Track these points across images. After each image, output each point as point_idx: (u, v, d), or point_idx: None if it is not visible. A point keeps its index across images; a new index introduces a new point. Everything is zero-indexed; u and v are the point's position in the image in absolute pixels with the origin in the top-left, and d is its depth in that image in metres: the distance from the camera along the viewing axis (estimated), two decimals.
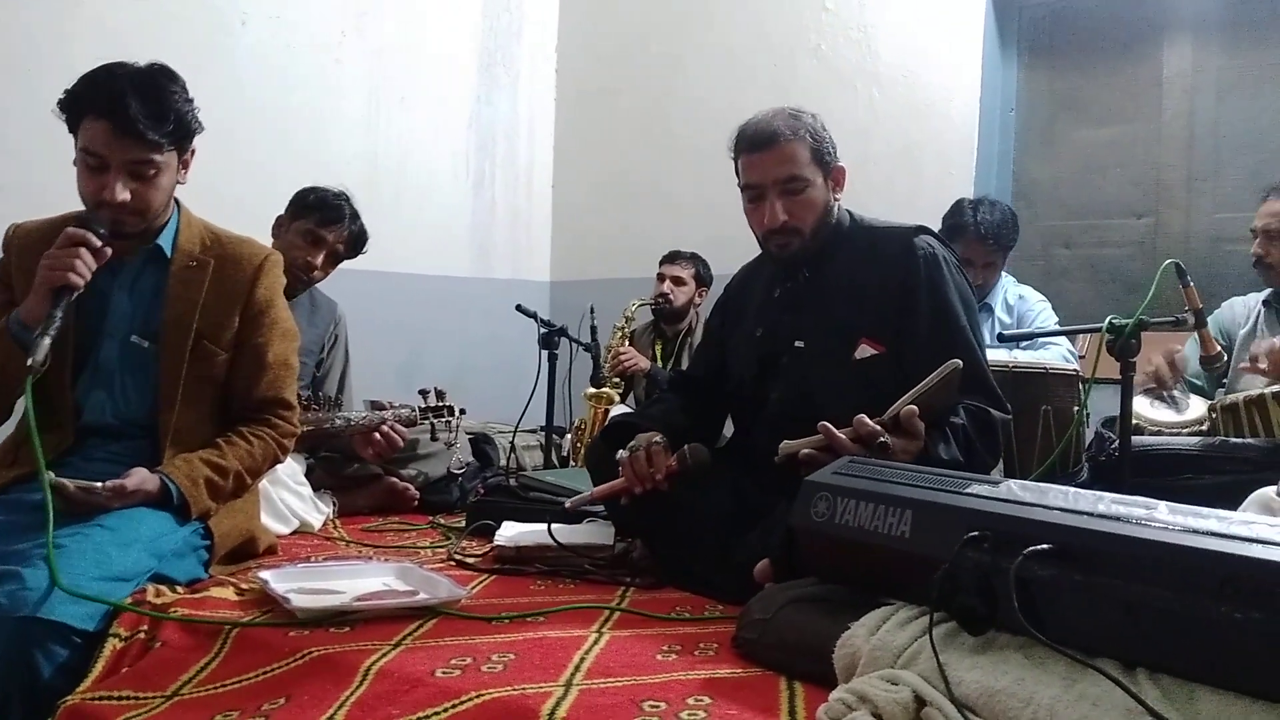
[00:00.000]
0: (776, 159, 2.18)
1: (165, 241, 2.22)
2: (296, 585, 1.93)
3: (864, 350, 2.17)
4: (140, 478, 2.05)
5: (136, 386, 2.20)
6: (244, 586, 2.04)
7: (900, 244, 2.22)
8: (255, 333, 2.27)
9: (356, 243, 3.11)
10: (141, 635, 1.81)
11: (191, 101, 2.12)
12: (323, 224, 3.03)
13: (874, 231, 2.30)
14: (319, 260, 3.02)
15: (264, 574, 1.97)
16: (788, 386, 2.27)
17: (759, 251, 2.41)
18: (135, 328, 2.20)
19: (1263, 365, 2.75)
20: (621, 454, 2.19)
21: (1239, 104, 3.95)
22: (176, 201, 2.25)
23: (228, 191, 3.57)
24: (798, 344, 2.27)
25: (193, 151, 2.18)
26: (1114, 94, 4.19)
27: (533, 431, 3.92)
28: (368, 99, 4.61)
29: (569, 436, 4.08)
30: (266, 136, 4.10)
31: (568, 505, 2.34)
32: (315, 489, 2.99)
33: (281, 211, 3.11)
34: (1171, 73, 4.07)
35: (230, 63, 4.00)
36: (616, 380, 4.12)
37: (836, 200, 2.28)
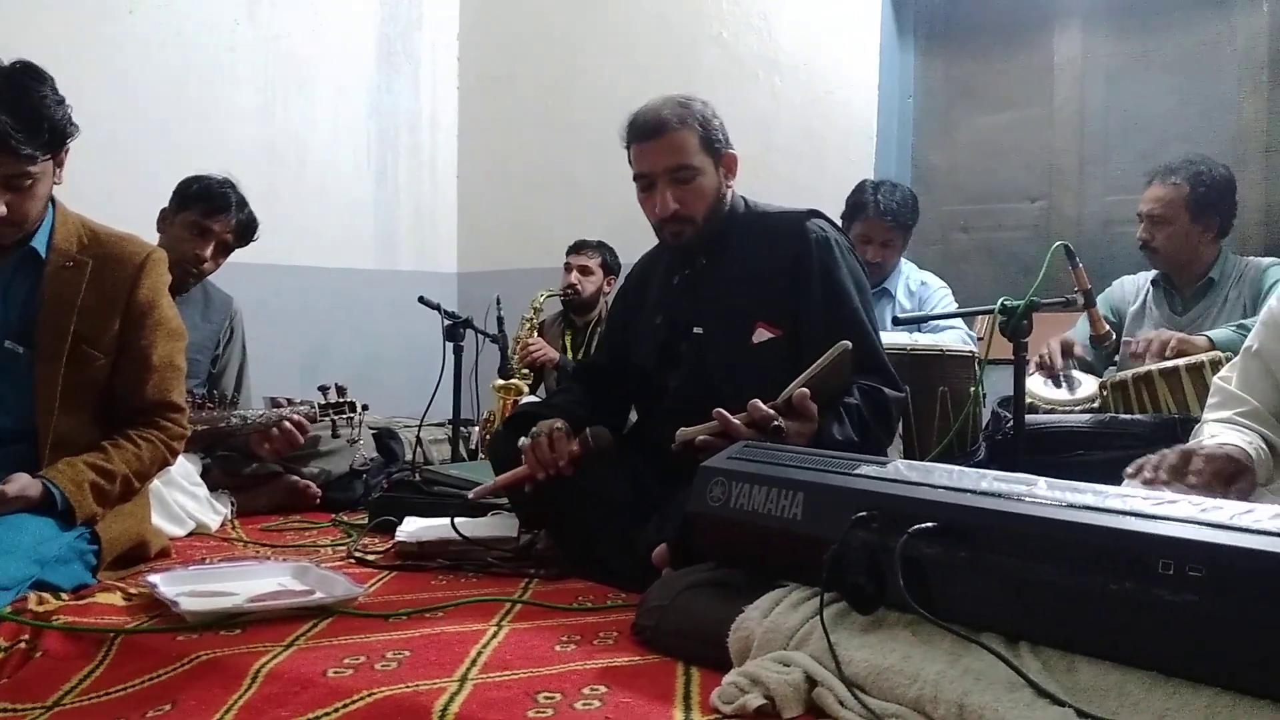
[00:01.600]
0: (665, 148, 2.19)
1: (40, 242, 2.13)
2: (187, 588, 1.88)
3: (761, 334, 2.19)
4: (21, 484, 1.98)
5: (13, 393, 2.11)
6: (132, 591, 1.97)
7: (793, 228, 2.24)
8: (139, 334, 2.19)
9: (246, 231, 3.01)
10: (22, 645, 1.74)
11: (63, 102, 2.03)
12: (208, 214, 2.91)
13: (767, 217, 2.32)
14: (208, 252, 2.93)
15: (153, 578, 1.91)
16: (688, 373, 2.28)
17: (630, 273, 2.48)
18: (8, 332, 2.11)
19: (1148, 359, 2.83)
20: (523, 441, 2.18)
21: (1127, 89, 4.05)
22: (52, 199, 2.16)
23: (116, 187, 3.47)
24: (696, 330, 2.28)
25: (68, 150, 2.09)
26: (1007, 81, 4.27)
27: (440, 425, 3.87)
28: (263, 88, 4.51)
29: (477, 429, 4.04)
30: (156, 128, 3.98)
31: (471, 496, 2.31)
32: (212, 489, 2.91)
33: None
34: (1062, 59, 4.16)
35: (117, 53, 3.88)
36: (525, 371, 4.09)
37: (729, 187, 2.29)
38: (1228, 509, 1.15)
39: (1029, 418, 2.63)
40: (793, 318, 2.18)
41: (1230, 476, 1.66)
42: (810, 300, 2.17)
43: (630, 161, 2.26)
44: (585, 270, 4.31)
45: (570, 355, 4.30)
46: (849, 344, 1.97)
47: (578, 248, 4.39)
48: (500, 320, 3.96)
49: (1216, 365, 2.59)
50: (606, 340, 2.72)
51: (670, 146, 2.19)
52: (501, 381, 3.89)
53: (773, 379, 2.00)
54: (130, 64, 3.91)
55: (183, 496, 2.71)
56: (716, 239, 2.28)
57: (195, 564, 2.27)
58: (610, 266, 4.37)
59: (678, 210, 2.20)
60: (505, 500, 2.47)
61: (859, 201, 3.44)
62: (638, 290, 2.52)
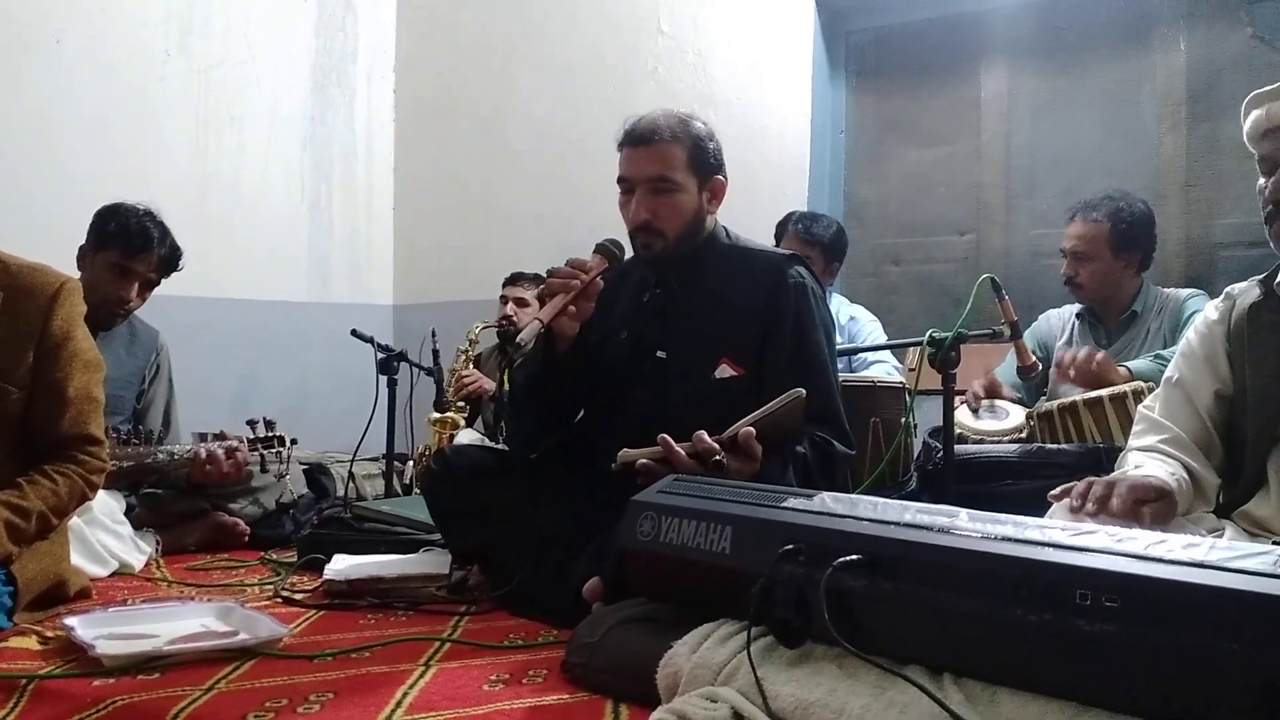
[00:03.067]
0: (650, 156, 2.20)
1: None
2: (105, 631, 1.83)
3: (724, 370, 2.19)
4: None
5: None
6: (49, 634, 1.92)
7: (772, 269, 2.24)
8: (53, 367, 2.14)
9: (169, 264, 2.94)
10: None
11: None
12: (129, 255, 2.84)
13: (749, 253, 2.32)
14: (132, 293, 2.86)
15: (70, 620, 1.86)
16: (646, 395, 2.27)
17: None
18: None
19: (1070, 373, 2.90)
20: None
21: (1051, 125, 4.15)
22: None
23: (39, 221, 3.40)
24: (660, 354, 2.28)
25: None
26: (936, 116, 4.36)
27: (374, 460, 3.82)
28: (194, 119, 4.45)
29: (411, 464, 4.00)
30: (84, 160, 3.91)
31: (520, 339, 2.03)
32: (137, 527, 2.85)
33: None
34: (989, 95, 4.26)
35: (44, 82, 3.80)
36: (461, 404, 4.06)
37: (711, 212, 2.30)
38: (1142, 539, 1.17)
39: (958, 448, 2.66)
40: (758, 359, 2.18)
41: (1152, 505, 1.69)
42: (779, 345, 2.17)
43: (619, 164, 2.26)
44: (521, 302, 4.29)
45: (507, 389, 4.27)
46: (803, 391, 1.97)
47: (514, 280, 4.38)
48: (435, 353, 3.94)
49: (1139, 395, 2.65)
50: None
51: (655, 156, 2.20)
52: (437, 415, 3.86)
53: (731, 416, 1.99)
54: (56, 94, 3.84)
55: (105, 535, 2.64)
56: (692, 263, 2.28)
57: (116, 605, 2.20)
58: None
59: (649, 220, 2.20)
60: (439, 536, 2.45)
61: (782, 224, 3.61)
62: (607, 298, 2.45)
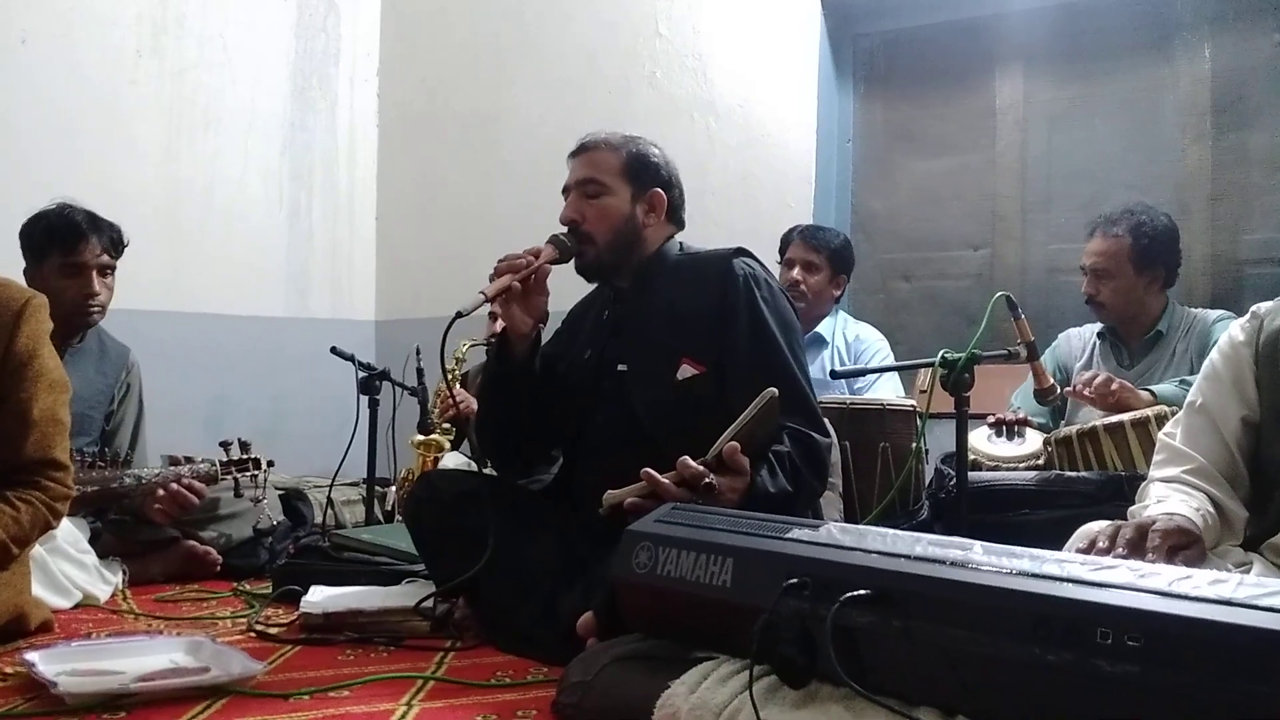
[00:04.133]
0: (583, 162, 2.38)
1: None
2: (69, 667, 1.82)
3: (685, 370, 2.26)
4: None
5: None
6: (8, 671, 1.91)
7: (719, 265, 2.32)
8: (17, 387, 2.14)
9: (116, 243, 2.97)
10: None
11: None
12: (70, 249, 2.87)
13: (695, 257, 2.42)
14: (95, 285, 2.88)
15: (31, 655, 1.85)
16: (612, 410, 2.33)
17: (566, 316, 2.58)
18: None
19: (1088, 394, 2.90)
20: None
21: (1070, 135, 4.17)
22: None
23: (7, 228, 3.39)
24: (621, 367, 2.35)
25: None
26: (948, 125, 4.37)
27: (354, 485, 3.82)
28: (167, 123, 4.46)
29: (394, 489, 3.99)
30: (50, 166, 3.91)
31: (461, 307, 2.18)
32: (102, 556, 2.84)
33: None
34: (1004, 103, 4.28)
35: (8, 84, 3.82)
36: (446, 426, 4.05)
37: (648, 224, 2.38)
38: (1166, 574, 1.17)
39: (973, 475, 2.67)
40: (717, 353, 2.24)
41: (1184, 550, 1.69)
42: (735, 336, 2.23)
43: None
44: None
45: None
46: (775, 391, 2.00)
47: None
48: (420, 371, 3.93)
49: (1161, 419, 2.66)
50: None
51: (588, 161, 2.38)
52: (421, 437, 3.85)
53: (698, 415, 2.10)
54: (21, 97, 3.85)
55: (68, 565, 2.63)
56: (644, 277, 2.38)
57: (80, 639, 2.20)
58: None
59: (575, 220, 2.33)
60: (422, 567, 2.44)
61: (786, 237, 3.64)
62: (571, 328, 2.59)
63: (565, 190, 2.40)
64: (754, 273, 2.31)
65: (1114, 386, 2.86)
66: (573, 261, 2.35)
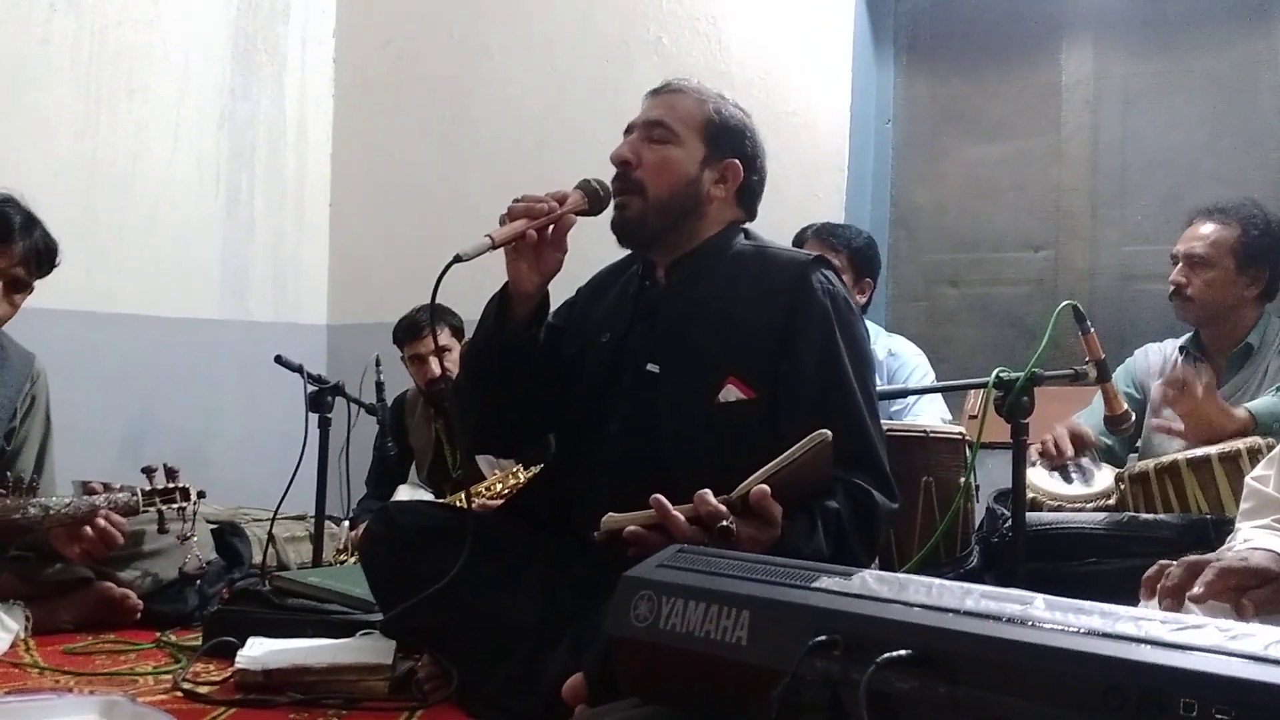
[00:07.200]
0: (661, 103, 2.33)
1: None
2: None
3: (729, 392, 2.17)
4: None
5: None
6: None
7: (792, 272, 2.24)
8: None
9: (42, 258, 2.93)
10: None
11: None
12: None
13: (765, 253, 2.34)
14: None
15: None
16: (630, 416, 2.27)
17: (583, 285, 2.49)
18: None
19: (1177, 427, 2.90)
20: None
21: (1149, 118, 4.20)
22: None
23: None
24: (651, 368, 2.27)
25: None
26: (1006, 104, 4.40)
27: (300, 519, 3.82)
28: (85, 91, 4.48)
29: (346, 525, 3.99)
30: None
31: (462, 251, 2.13)
32: (1, 599, 2.85)
33: None
34: (1071, 80, 4.31)
35: None
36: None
37: (715, 197, 2.31)
38: (1261, 637, 1.17)
39: (1031, 516, 2.68)
40: (773, 381, 2.17)
41: (1257, 592, 1.68)
42: (799, 363, 2.15)
43: None
44: (442, 351, 4.13)
45: (447, 448, 4.23)
46: (829, 434, 1.93)
47: (413, 332, 4.27)
48: (380, 385, 3.94)
49: (1255, 454, 2.66)
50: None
51: (665, 103, 2.32)
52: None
53: (735, 448, 2.01)
54: None
55: None
56: (694, 262, 2.31)
57: None
58: (460, 330, 4.24)
59: (627, 162, 2.26)
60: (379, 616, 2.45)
61: (800, 236, 3.64)
62: (588, 301, 2.50)
63: (628, 130, 2.34)
64: (835, 290, 2.23)
65: (1199, 388, 2.83)
66: (610, 215, 2.28)
